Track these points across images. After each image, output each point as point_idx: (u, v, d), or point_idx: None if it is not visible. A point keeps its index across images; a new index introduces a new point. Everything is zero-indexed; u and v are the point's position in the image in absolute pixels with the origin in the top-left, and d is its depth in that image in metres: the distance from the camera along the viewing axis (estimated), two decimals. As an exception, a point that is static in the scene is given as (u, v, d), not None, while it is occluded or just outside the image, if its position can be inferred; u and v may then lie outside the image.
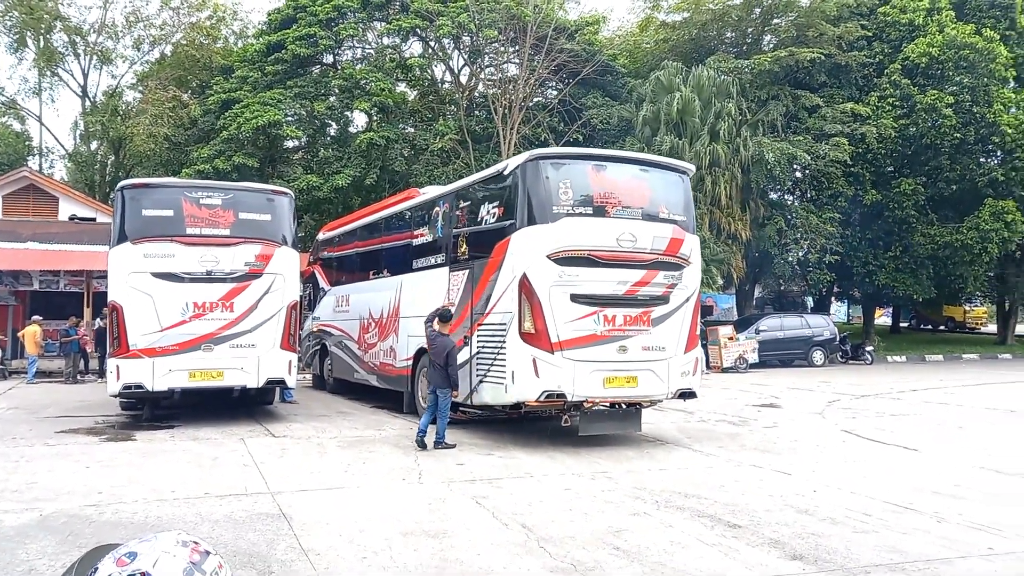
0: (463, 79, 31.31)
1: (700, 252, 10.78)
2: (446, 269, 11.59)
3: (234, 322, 11.73)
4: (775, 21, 30.21)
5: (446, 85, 32.08)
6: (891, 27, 28.54)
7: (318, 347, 17.84)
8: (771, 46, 30.03)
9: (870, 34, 28.76)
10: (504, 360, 9.67)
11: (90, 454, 9.48)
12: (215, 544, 5.70)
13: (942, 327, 44.32)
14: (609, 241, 9.69)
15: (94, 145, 37.32)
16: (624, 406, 10.15)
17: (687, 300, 10.26)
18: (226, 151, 26.41)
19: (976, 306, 45.13)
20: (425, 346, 10.89)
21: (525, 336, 9.45)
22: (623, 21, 47.57)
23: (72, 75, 36.39)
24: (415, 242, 13.09)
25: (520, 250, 9.65)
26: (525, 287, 9.46)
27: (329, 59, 30.64)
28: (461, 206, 11.51)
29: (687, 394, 10.34)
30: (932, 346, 33.47)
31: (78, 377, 19.46)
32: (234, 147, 26.60)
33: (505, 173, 10.21)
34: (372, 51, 30.74)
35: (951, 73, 26.83)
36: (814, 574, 5.33)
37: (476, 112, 30.55)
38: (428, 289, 12.03)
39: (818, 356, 26.17)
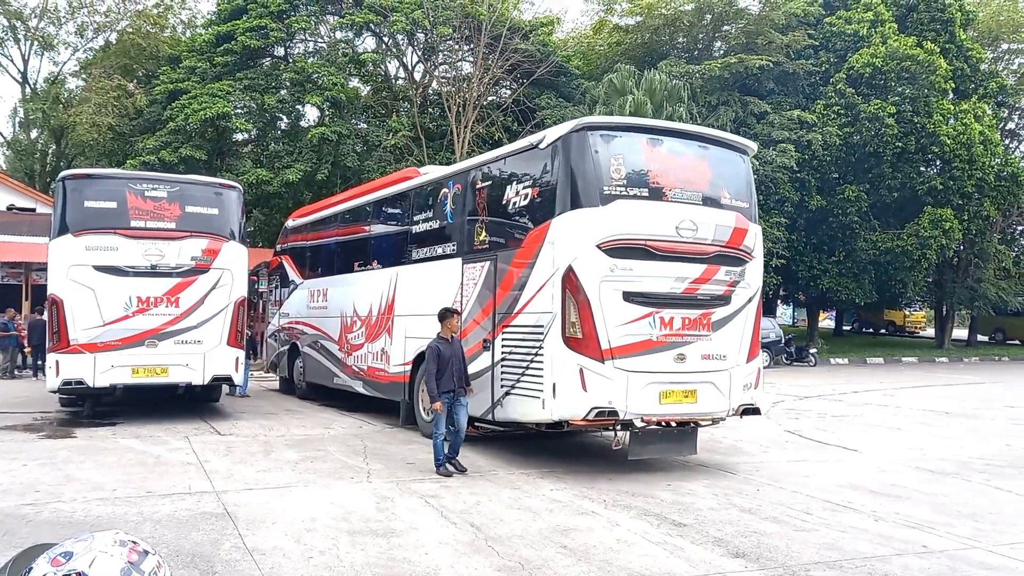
0: (417, 76, 31.14)
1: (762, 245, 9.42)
2: (458, 261, 10.01)
3: (179, 318, 11.52)
4: (725, 28, 30.70)
5: (400, 81, 31.88)
6: (837, 37, 29.22)
7: (287, 347, 16.07)
8: (721, 52, 30.51)
9: (817, 43, 29.41)
10: (541, 369, 8.21)
11: (27, 451, 9.20)
12: (158, 544, 5.61)
13: (883, 331, 45.57)
14: (667, 229, 8.29)
15: (34, 133, 36.25)
16: (676, 425, 8.81)
17: (750, 300, 8.94)
18: (173, 143, 25.84)
19: (915, 311, 46.50)
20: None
21: (570, 341, 8.00)
22: (577, 23, 47.97)
23: (12, 60, 35.33)
24: (415, 229, 11.44)
25: (564, 238, 8.18)
26: (571, 283, 8.02)
27: (280, 52, 30.19)
28: (479, 187, 9.89)
29: (750, 410, 8.97)
30: (873, 349, 34.38)
31: (15, 372, 18.87)
32: (181, 139, 26.04)
33: (542, 147, 8.74)
34: (324, 45, 30.37)
35: (893, 84, 27.58)
36: (755, 572, 5.44)
37: (430, 109, 30.41)
38: (433, 284, 10.53)
39: (763, 358, 26.60)
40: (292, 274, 16.26)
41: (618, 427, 8.46)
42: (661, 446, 8.77)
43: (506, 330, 8.88)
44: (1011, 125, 36.50)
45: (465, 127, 27.24)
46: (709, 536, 6.26)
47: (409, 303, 11.24)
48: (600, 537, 6.15)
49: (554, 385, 8.06)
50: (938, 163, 29.79)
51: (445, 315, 8.69)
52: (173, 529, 6.09)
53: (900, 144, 27.53)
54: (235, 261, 12.02)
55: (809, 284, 30.72)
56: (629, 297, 8.17)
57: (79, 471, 8.18)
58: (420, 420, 10.71)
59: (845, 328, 45.06)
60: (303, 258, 16.01)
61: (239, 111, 27.65)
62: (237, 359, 11.98)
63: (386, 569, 5.27)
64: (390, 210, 12.80)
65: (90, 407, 12.03)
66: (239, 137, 30.58)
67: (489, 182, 9.77)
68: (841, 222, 28.83)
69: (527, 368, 8.46)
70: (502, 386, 8.87)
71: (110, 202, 11.49)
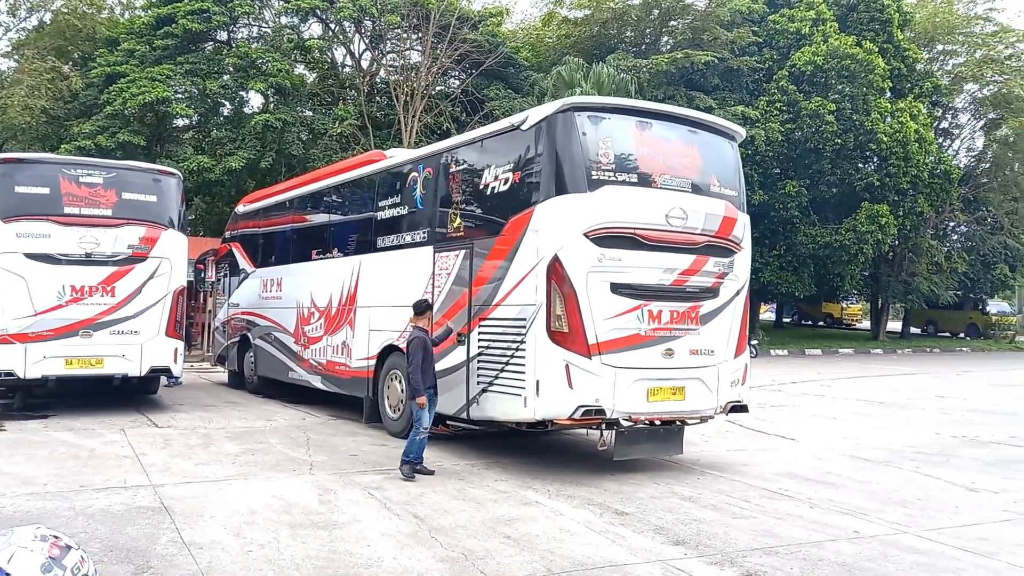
0: (364, 64, 30.77)
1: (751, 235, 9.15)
2: (429, 249, 9.50)
3: (115, 307, 11.23)
4: (672, 23, 31.01)
5: (347, 69, 31.45)
6: (780, 35, 29.75)
7: (237, 339, 15.31)
8: (668, 47, 30.81)
9: (761, 40, 29.90)
10: (523, 365, 7.76)
11: (-48, 446, 8.88)
12: (91, 539, 5.46)
13: (821, 323, 46.70)
14: (657, 218, 7.95)
15: (-38, 115, 34.78)
16: (661, 423, 8.36)
17: (737, 293, 8.70)
18: (110, 127, 25.07)
19: (852, 303, 47.73)
20: (395, 342, 9.62)
21: (555, 336, 7.58)
22: (526, 14, 47.95)
23: (-62, 39, 33.81)
24: (381, 216, 10.80)
25: (549, 226, 7.74)
26: (556, 273, 7.60)
27: (223, 36, 29.49)
28: (453, 171, 9.35)
29: (738, 407, 8.71)
30: (812, 341, 35.20)
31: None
32: (119, 124, 25.27)
33: (523, 128, 8.21)
34: (269, 30, 29.76)
35: (834, 82, 28.20)
36: (695, 559, 5.54)
37: (377, 98, 30.07)
38: (401, 274, 10.04)
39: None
40: (243, 262, 15.49)
41: (603, 427, 8.00)
42: (648, 446, 8.35)
43: (483, 323, 8.40)
44: (944, 124, 37.62)
45: (413, 116, 27.02)
46: (650, 524, 6.35)
47: (373, 294, 10.78)
48: (543, 527, 6.19)
49: (537, 382, 7.61)
50: (875, 160, 30.55)
51: (426, 308, 8.27)
52: (107, 524, 5.94)
53: (839, 141, 28.18)
54: (174, 250, 11.78)
55: (751, 277, 31.29)
56: (617, 289, 7.79)
57: (8, 465, 7.92)
58: (386, 418, 10.31)
59: (785, 320, 46.07)
60: (255, 245, 15.24)
61: (179, 96, 26.93)
62: (176, 350, 11.76)
63: (327, 562, 5.23)
64: (353, 195, 12.17)
65: (21, 399, 11.66)
66: (180, 123, 29.81)
67: (464, 166, 9.25)
68: (782, 217, 29.41)
69: (507, 364, 8.00)
70: (479, 383, 8.39)
71: (43, 188, 11.13)
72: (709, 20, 28.63)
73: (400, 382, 9.74)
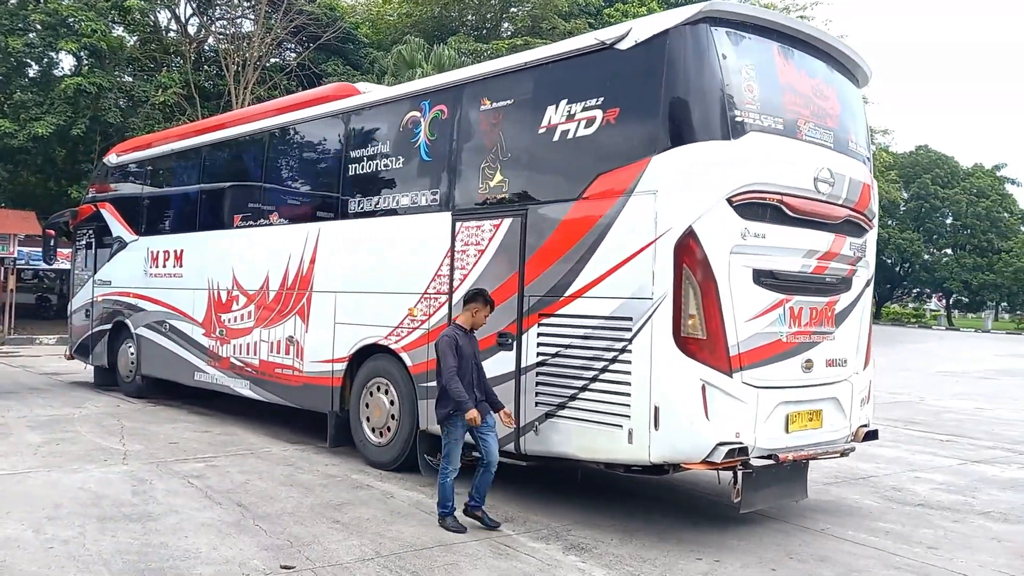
0: (191, 30, 29.03)
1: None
2: (444, 216, 7.07)
3: None
4: (513, 9, 31.39)
5: (171, 34, 29.54)
6: (615, 28, 30.89)
7: (108, 326, 12.18)
8: (509, 33, 31.17)
9: (596, 32, 30.91)
10: (627, 384, 5.56)
11: None
12: None
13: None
14: (805, 181, 5.93)
15: None
16: (781, 459, 5.85)
17: (867, 285, 6.74)
18: None
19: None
20: (383, 342, 7.54)
21: (687, 344, 5.40)
22: (367, -10, 46.86)
23: None
24: (355, 169, 8.14)
25: (677, 186, 5.52)
26: (690, 255, 5.42)
27: (29, -11, 26.90)
28: (488, 108, 6.87)
29: (871, 434, 6.66)
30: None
31: None
32: (-100, 79, 22.57)
33: (622, 47, 5.92)
34: (84, -14, 27.47)
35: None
36: (523, 535, 5.69)
37: (206, 67, 28.45)
38: (391, 248, 7.69)
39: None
40: (119, 228, 12.25)
41: (738, 470, 5.61)
42: (775, 490, 6.15)
43: (549, 320, 6.12)
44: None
45: (245, 88, 25.82)
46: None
47: (342, 275, 8.24)
48: (374, 510, 6.14)
49: (656, 409, 5.41)
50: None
51: (474, 299, 5.98)
52: None
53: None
54: (-33, 221, 10.64)
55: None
56: (759, 278, 5.72)
57: None
58: (363, 442, 7.86)
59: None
60: (138, 206, 12.03)
61: (-24, 52, 24.34)
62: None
63: (139, 555, 4.93)
64: (307, 141, 9.41)
65: None
66: (-24, 83, 26.98)
67: (507, 101, 6.78)
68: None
69: (594, 380, 5.78)
70: (539, 404, 6.14)
71: None
72: (548, 9, 29.18)
73: (387, 394, 7.60)
